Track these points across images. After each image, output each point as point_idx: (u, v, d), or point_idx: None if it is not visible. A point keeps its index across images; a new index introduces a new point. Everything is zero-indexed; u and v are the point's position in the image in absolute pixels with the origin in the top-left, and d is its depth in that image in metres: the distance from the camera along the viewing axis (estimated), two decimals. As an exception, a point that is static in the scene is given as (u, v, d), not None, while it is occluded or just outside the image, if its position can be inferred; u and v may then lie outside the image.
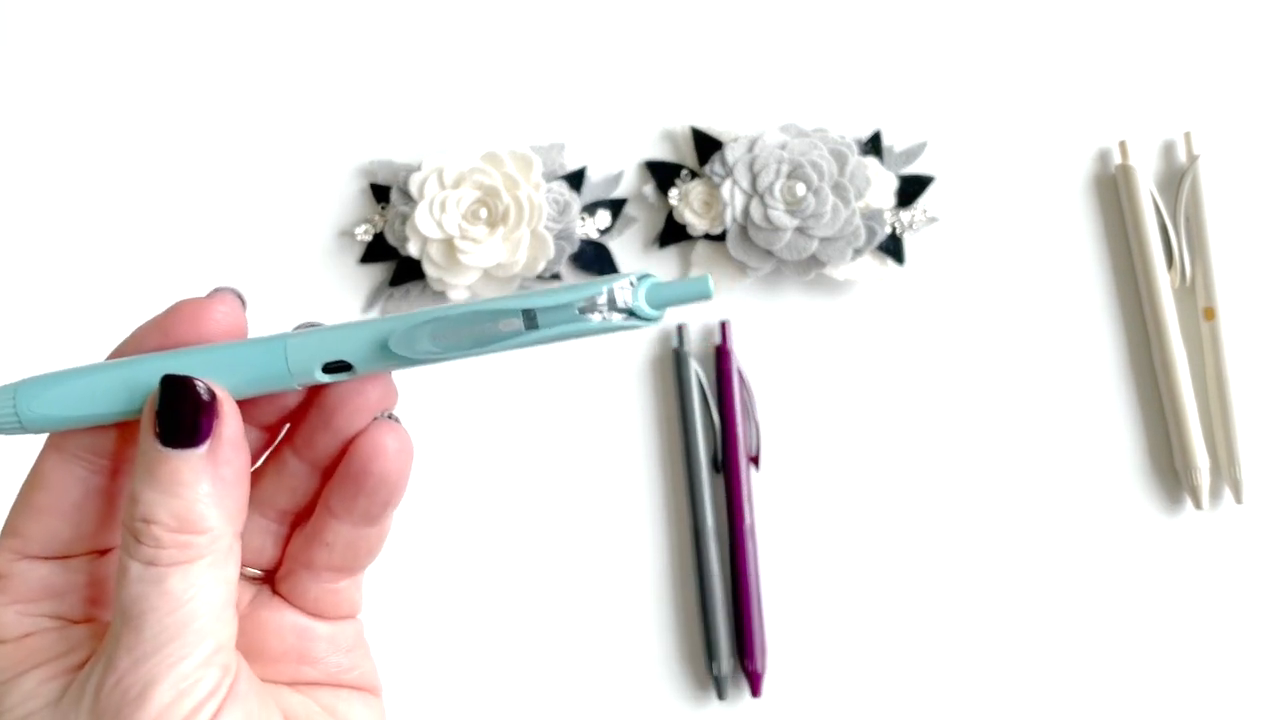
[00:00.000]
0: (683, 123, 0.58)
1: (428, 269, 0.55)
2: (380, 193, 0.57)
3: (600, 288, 0.25)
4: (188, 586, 0.25)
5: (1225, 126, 0.58)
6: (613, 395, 0.57)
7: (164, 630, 0.25)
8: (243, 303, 0.28)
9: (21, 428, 0.27)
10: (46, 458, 0.27)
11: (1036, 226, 0.58)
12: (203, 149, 0.58)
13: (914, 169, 0.57)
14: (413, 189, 0.55)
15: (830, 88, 0.58)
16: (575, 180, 0.57)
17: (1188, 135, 0.57)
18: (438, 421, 0.56)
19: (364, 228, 0.57)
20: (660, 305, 0.26)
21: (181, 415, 0.25)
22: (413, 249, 0.55)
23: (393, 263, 0.57)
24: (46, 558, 0.27)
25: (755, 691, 0.55)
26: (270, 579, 0.30)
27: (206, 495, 0.25)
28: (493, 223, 0.55)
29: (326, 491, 0.29)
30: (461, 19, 0.59)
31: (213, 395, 0.26)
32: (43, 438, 0.28)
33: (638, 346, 0.57)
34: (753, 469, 0.56)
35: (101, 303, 0.57)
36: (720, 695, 0.54)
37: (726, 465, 0.55)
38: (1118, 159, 0.57)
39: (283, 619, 0.29)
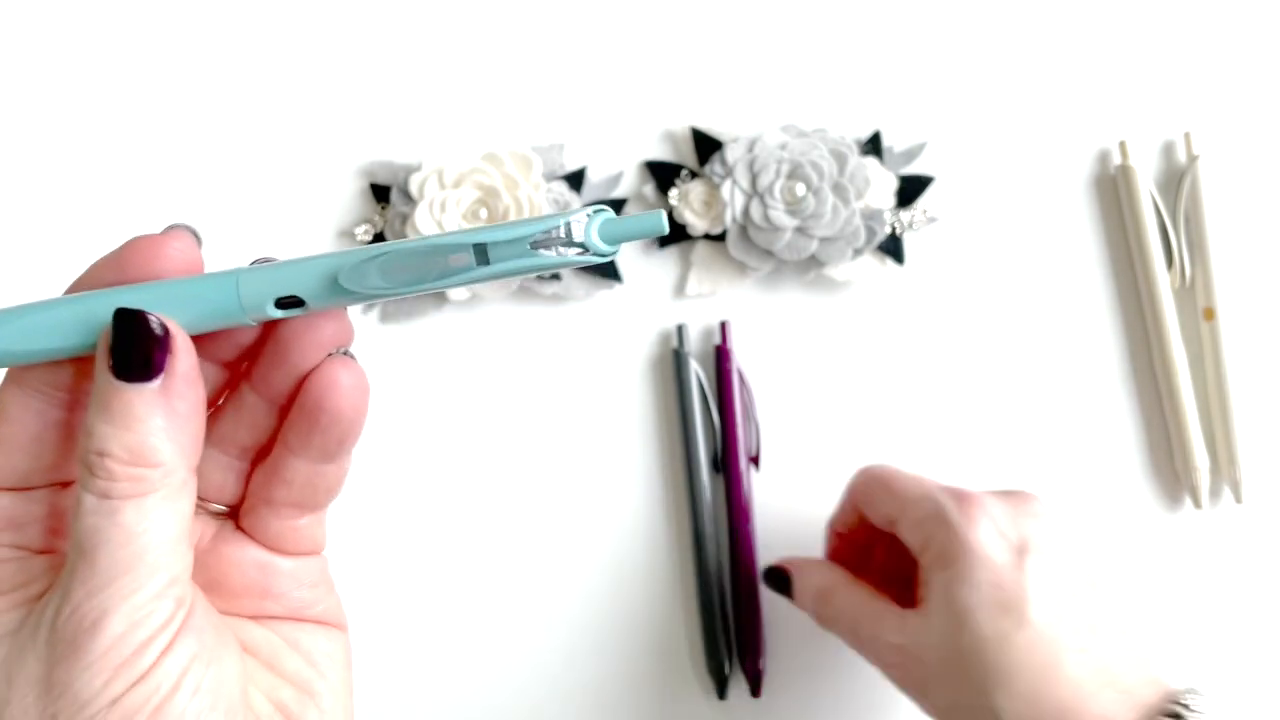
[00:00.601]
0: (683, 123, 0.58)
1: (428, 269, 0.55)
2: (380, 193, 0.57)
3: (555, 221, 0.25)
4: (141, 519, 0.25)
5: (1225, 126, 0.58)
6: (612, 395, 0.57)
7: (117, 563, 0.25)
8: (198, 240, 0.28)
9: None
10: (5, 390, 0.28)
11: (1036, 227, 0.58)
12: (203, 149, 0.58)
13: (914, 169, 0.58)
14: (413, 189, 0.55)
15: (830, 88, 0.58)
16: (575, 180, 0.57)
17: (1188, 135, 0.57)
18: (437, 419, 0.56)
19: (364, 228, 0.57)
20: (614, 240, 0.25)
21: (134, 349, 0.25)
22: (413, 249, 0.55)
23: (393, 263, 0.57)
24: (6, 489, 0.28)
25: (755, 692, 0.55)
26: (234, 514, 0.30)
27: (160, 429, 0.25)
28: (493, 222, 0.55)
29: (284, 428, 0.29)
30: (462, 19, 0.59)
31: (165, 329, 0.26)
32: (2, 371, 0.28)
33: (638, 346, 0.57)
34: (753, 469, 0.56)
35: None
36: (721, 695, 0.54)
37: (726, 465, 0.55)
38: (1118, 159, 0.57)
39: (244, 554, 0.30)
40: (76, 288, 0.28)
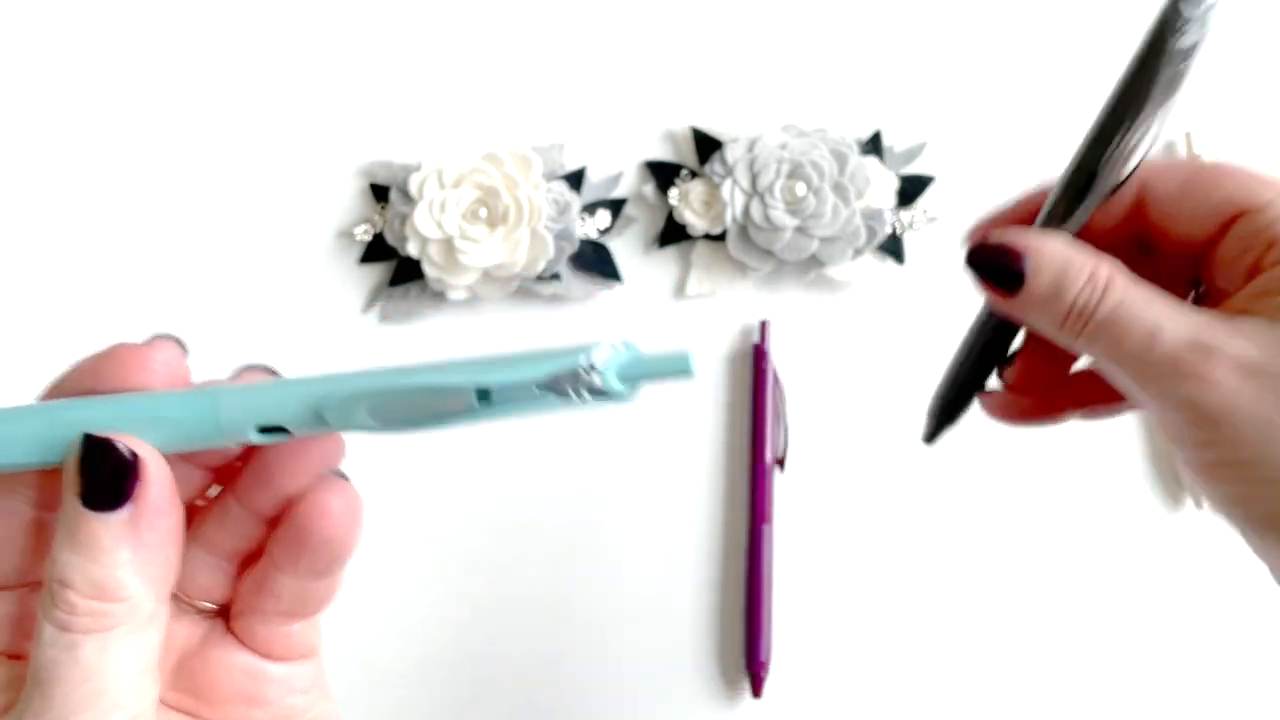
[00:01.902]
0: (683, 123, 0.58)
1: (427, 269, 0.55)
2: (380, 193, 0.57)
3: (566, 361, 0.23)
4: (101, 655, 0.24)
5: (1225, 126, 0.58)
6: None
7: (73, 701, 0.23)
8: (184, 350, 0.26)
9: None
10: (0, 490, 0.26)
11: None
12: (203, 149, 0.58)
13: (914, 169, 0.57)
14: (412, 189, 0.55)
15: (830, 88, 0.58)
16: (575, 180, 0.57)
17: (1188, 135, 0.57)
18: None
19: (364, 228, 0.57)
20: (634, 381, 0.23)
21: (101, 477, 0.24)
22: (412, 249, 0.55)
23: (392, 262, 0.57)
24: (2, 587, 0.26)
25: (756, 692, 0.55)
26: (224, 612, 0.29)
27: (126, 562, 0.24)
28: (492, 223, 0.55)
29: (270, 544, 0.27)
30: (462, 19, 0.59)
31: (135, 457, 0.24)
32: None
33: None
34: (777, 471, 0.56)
35: (103, 303, 0.57)
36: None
37: (753, 466, 0.55)
38: (1118, 159, 0.57)
39: (234, 659, 0.28)
40: (54, 393, 0.26)
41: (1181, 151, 0.58)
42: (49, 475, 0.26)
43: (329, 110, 0.58)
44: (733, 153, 0.55)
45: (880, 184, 0.56)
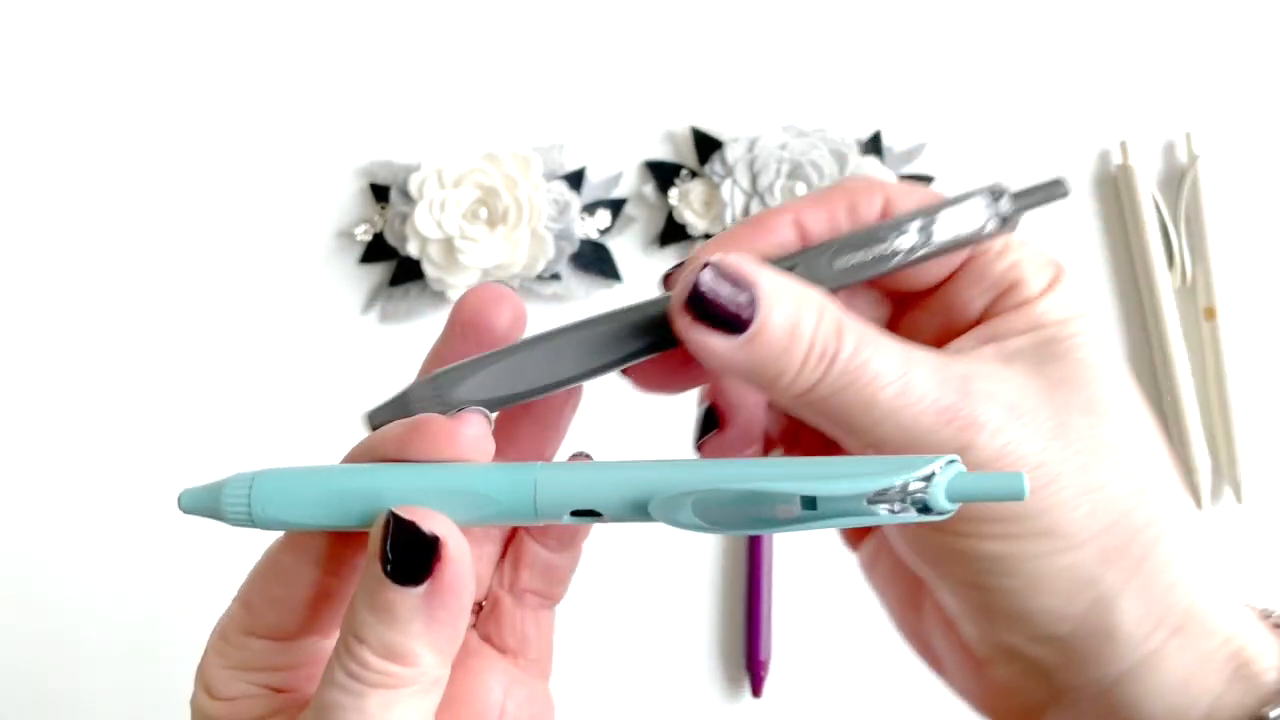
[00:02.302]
0: (683, 123, 0.58)
1: (427, 269, 0.55)
2: (380, 193, 0.57)
3: (895, 480, 0.22)
4: (384, 711, 0.25)
5: (1225, 126, 0.58)
6: (613, 393, 0.57)
7: None
8: (490, 422, 0.26)
9: (251, 523, 0.26)
10: (286, 553, 0.27)
11: (1037, 227, 0.58)
12: (203, 149, 0.58)
13: (914, 169, 0.57)
14: (412, 189, 0.55)
15: (830, 88, 0.58)
16: (575, 180, 0.57)
17: (1188, 135, 0.57)
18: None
19: (364, 228, 0.57)
20: (958, 500, 0.23)
21: (403, 554, 0.24)
22: (412, 249, 0.55)
23: (392, 262, 0.57)
24: (269, 638, 0.28)
25: (756, 692, 0.55)
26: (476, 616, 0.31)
27: (419, 634, 0.25)
28: (492, 222, 0.55)
29: (507, 571, 0.30)
30: (462, 19, 0.59)
31: (437, 539, 0.24)
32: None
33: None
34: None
35: (104, 303, 0.57)
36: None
37: None
38: (1118, 159, 0.57)
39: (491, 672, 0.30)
40: (354, 457, 0.27)
41: (1182, 152, 0.58)
42: (338, 542, 0.27)
43: (329, 110, 0.58)
44: (733, 153, 0.55)
45: (880, 184, 0.56)
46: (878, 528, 0.30)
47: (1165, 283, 0.56)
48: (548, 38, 0.59)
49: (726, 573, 0.56)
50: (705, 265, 0.25)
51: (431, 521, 0.24)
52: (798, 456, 0.25)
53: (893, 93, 0.58)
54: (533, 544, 0.30)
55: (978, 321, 0.27)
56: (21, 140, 0.58)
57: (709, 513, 0.23)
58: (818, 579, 0.56)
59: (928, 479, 0.22)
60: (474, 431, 0.25)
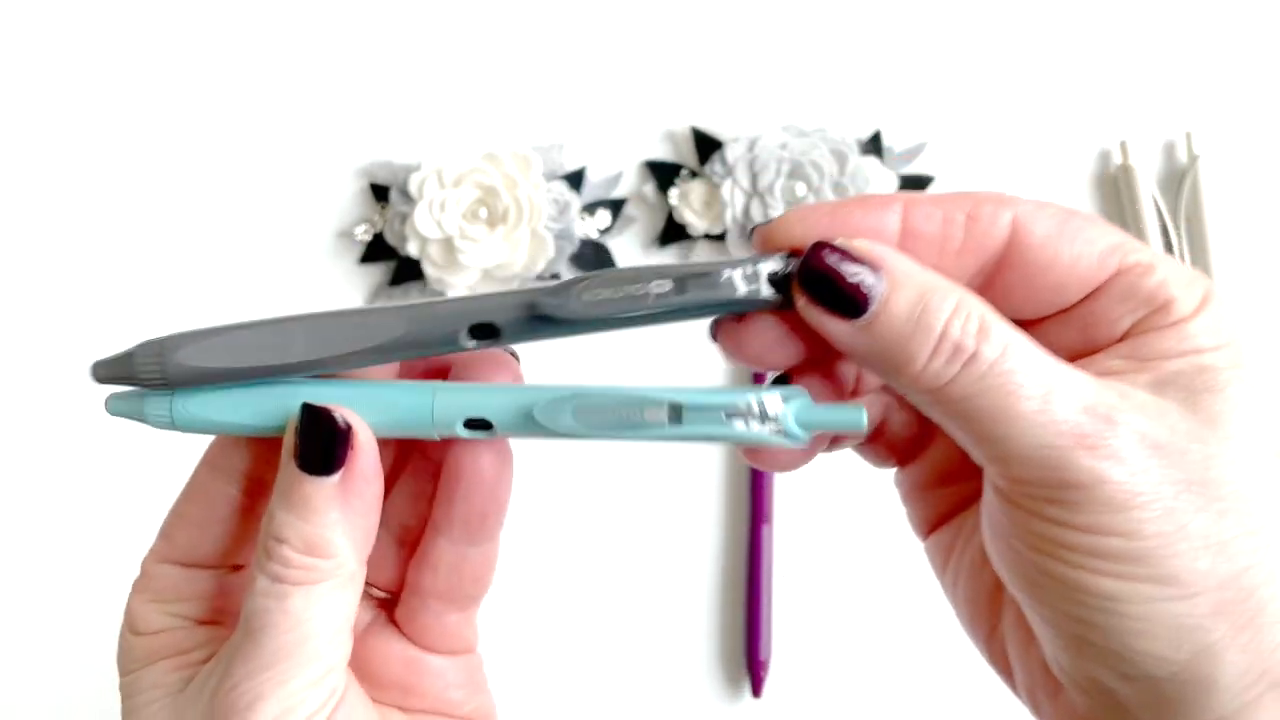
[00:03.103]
0: (683, 123, 0.58)
1: (427, 269, 0.55)
2: (380, 193, 0.57)
3: (748, 397, 0.25)
4: (307, 606, 0.26)
5: (1225, 126, 0.58)
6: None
7: (280, 647, 0.26)
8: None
9: (173, 425, 0.28)
10: (200, 472, 0.29)
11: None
12: (203, 149, 0.58)
13: (914, 169, 0.57)
14: (412, 189, 0.55)
15: (830, 88, 0.58)
16: (575, 180, 0.57)
17: (1188, 135, 0.57)
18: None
19: (364, 228, 0.57)
20: (809, 428, 0.25)
21: (317, 444, 0.26)
22: (412, 249, 0.55)
23: (393, 262, 0.57)
24: (187, 564, 0.29)
25: (756, 691, 0.55)
26: (390, 604, 0.31)
27: (335, 522, 0.26)
28: (492, 222, 0.55)
29: (433, 508, 0.30)
30: (462, 19, 0.59)
31: (349, 427, 0.26)
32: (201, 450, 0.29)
33: (639, 344, 0.57)
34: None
35: (105, 302, 0.57)
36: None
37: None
38: (1118, 159, 0.57)
39: (393, 648, 0.30)
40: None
41: (1182, 151, 0.58)
42: (258, 461, 0.28)
43: (329, 110, 0.58)
44: (733, 153, 0.55)
45: (880, 184, 0.56)
46: (953, 518, 0.29)
47: (1165, 283, 0.56)
48: (548, 38, 0.59)
49: (726, 573, 0.56)
50: (822, 245, 0.24)
51: (342, 413, 0.26)
52: (671, 385, 0.26)
53: (893, 93, 0.58)
54: (439, 539, 0.29)
55: (1121, 339, 0.25)
56: (21, 141, 0.58)
57: (587, 416, 0.26)
58: (818, 579, 0.56)
59: (777, 405, 0.25)
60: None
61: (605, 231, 0.57)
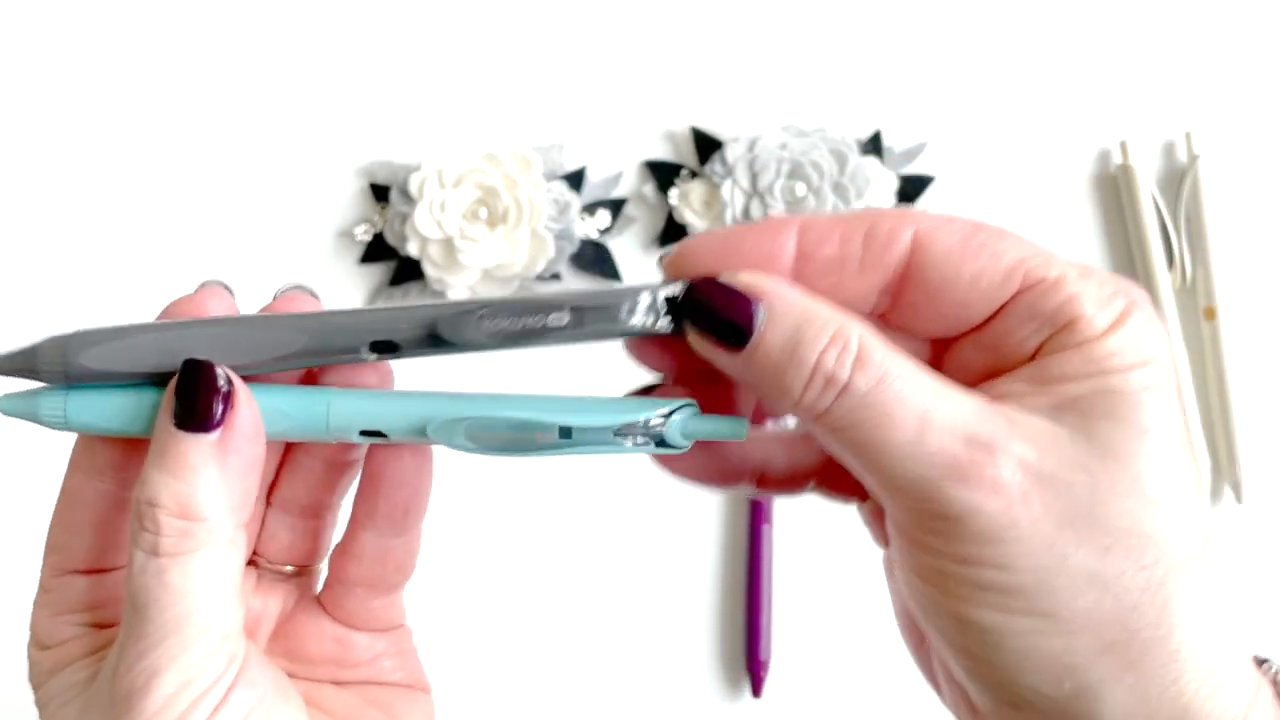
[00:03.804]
0: (683, 123, 0.58)
1: (427, 269, 0.55)
2: (380, 193, 0.57)
3: (638, 416, 0.26)
4: (186, 579, 0.25)
5: (1225, 126, 0.58)
6: (612, 392, 0.57)
7: (165, 623, 0.25)
8: (230, 293, 0.28)
9: (67, 425, 0.27)
10: (70, 477, 0.28)
11: (1037, 227, 0.58)
12: (203, 149, 0.58)
13: (914, 169, 0.57)
14: (412, 189, 0.55)
15: (830, 88, 0.58)
16: (575, 180, 0.57)
17: (1188, 135, 0.57)
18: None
19: (364, 228, 0.57)
20: (690, 437, 0.26)
21: (197, 398, 0.26)
22: (412, 249, 0.55)
23: (393, 262, 0.57)
24: (85, 571, 0.28)
25: (756, 692, 0.55)
26: (305, 572, 0.31)
27: (212, 480, 0.26)
28: (492, 222, 0.55)
29: (355, 501, 0.29)
30: (462, 19, 0.59)
31: (230, 383, 0.26)
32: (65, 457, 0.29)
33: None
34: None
35: (105, 302, 0.57)
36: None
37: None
38: (1118, 159, 0.57)
39: (321, 628, 0.30)
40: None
41: (1182, 151, 0.58)
42: (130, 454, 0.28)
43: (329, 110, 0.58)
44: (733, 153, 0.55)
45: (880, 184, 0.56)
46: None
47: (1165, 283, 0.56)
48: (548, 38, 0.59)
49: (726, 573, 0.56)
50: (705, 279, 0.25)
51: (224, 369, 0.26)
52: (563, 395, 0.27)
53: (893, 93, 0.58)
54: (361, 532, 0.29)
55: (1031, 359, 0.24)
56: (21, 142, 0.58)
57: (478, 437, 0.26)
58: (818, 579, 0.56)
59: (665, 417, 0.26)
60: (216, 301, 0.27)
61: (605, 231, 0.57)
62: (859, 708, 0.55)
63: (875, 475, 0.24)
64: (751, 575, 0.55)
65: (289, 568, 0.31)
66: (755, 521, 0.55)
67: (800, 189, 0.55)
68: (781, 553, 0.56)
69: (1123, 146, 0.57)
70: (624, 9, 0.59)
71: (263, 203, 0.58)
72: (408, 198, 0.55)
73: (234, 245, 0.57)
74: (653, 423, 0.26)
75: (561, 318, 0.26)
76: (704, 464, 0.28)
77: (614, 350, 0.28)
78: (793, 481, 0.29)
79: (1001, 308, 0.25)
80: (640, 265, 0.58)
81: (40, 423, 0.27)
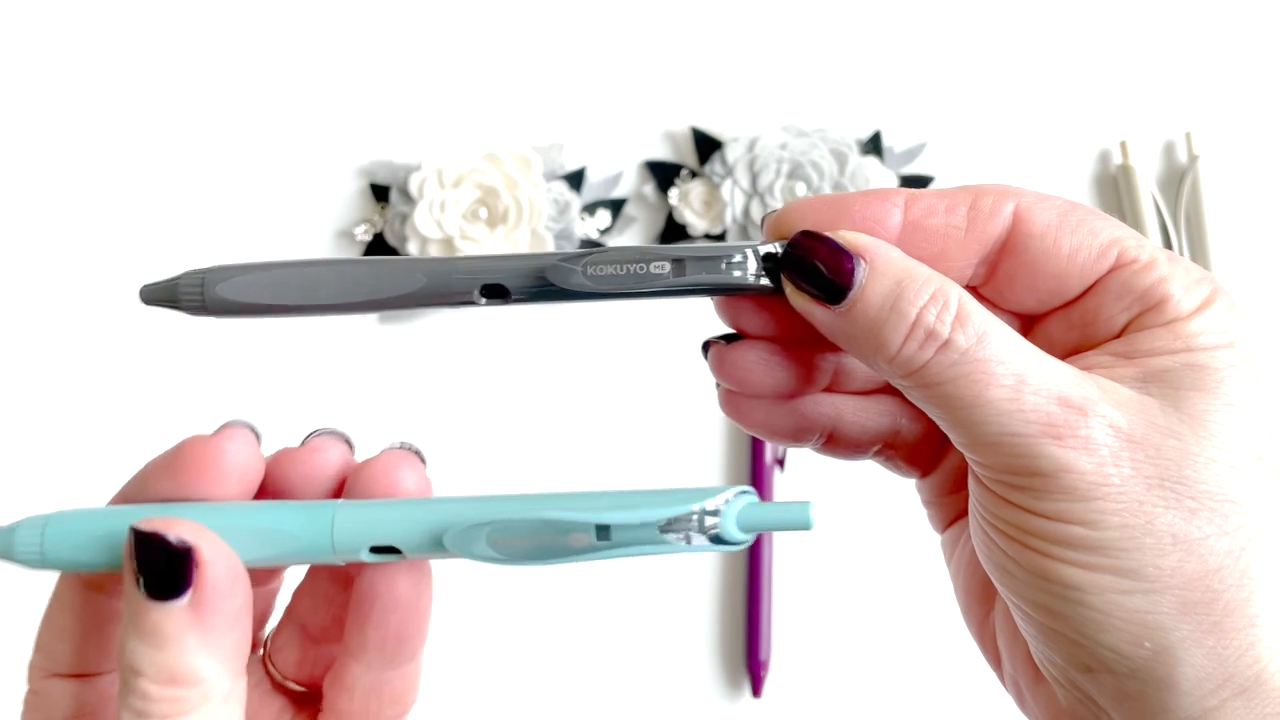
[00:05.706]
0: (683, 123, 0.58)
1: (428, 269, 0.55)
2: (380, 193, 0.57)
3: (688, 508, 0.23)
4: None
5: (1225, 126, 0.58)
6: (613, 392, 0.57)
7: None
8: (257, 437, 0.26)
9: (44, 564, 0.26)
10: (62, 581, 0.27)
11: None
12: (203, 149, 0.58)
13: (914, 169, 0.57)
14: (413, 189, 0.55)
15: (830, 88, 0.58)
16: (575, 180, 0.57)
17: (1188, 135, 0.57)
18: (439, 419, 0.56)
19: (364, 228, 0.57)
20: (750, 530, 0.23)
21: (156, 568, 0.23)
22: (412, 249, 0.55)
23: (393, 263, 0.57)
24: (73, 675, 0.27)
25: (756, 692, 0.55)
26: (314, 698, 0.29)
27: (195, 647, 0.23)
28: (492, 222, 0.55)
29: (345, 630, 0.27)
30: (462, 19, 0.59)
31: (187, 547, 0.23)
32: None
33: (639, 343, 0.57)
34: (777, 470, 0.56)
35: (104, 302, 0.57)
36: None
37: (753, 466, 0.55)
38: (1118, 159, 0.57)
39: None
40: (125, 494, 0.26)
41: (1182, 152, 0.58)
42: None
43: (329, 110, 0.58)
44: (733, 153, 0.56)
45: (880, 184, 0.56)
46: (967, 510, 0.29)
47: (1165, 283, 0.56)
48: (548, 38, 0.59)
49: (726, 573, 0.56)
50: (809, 234, 0.25)
51: (178, 528, 0.23)
52: (598, 490, 0.24)
53: (893, 93, 0.58)
54: (352, 663, 0.26)
55: (1118, 335, 0.25)
56: (21, 142, 0.58)
57: (503, 544, 0.24)
58: (818, 579, 0.56)
59: (717, 511, 0.23)
60: (237, 446, 0.25)
61: (605, 231, 0.57)
62: (859, 708, 0.55)
63: (968, 431, 0.24)
64: (752, 575, 0.55)
65: (295, 686, 0.28)
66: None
67: (800, 189, 0.55)
68: (782, 553, 0.56)
69: (1123, 146, 0.57)
70: (624, 9, 0.59)
71: (263, 202, 0.58)
72: (408, 198, 0.55)
73: (234, 245, 0.57)
74: (707, 520, 0.23)
75: (663, 265, 0.26)
76: (778, 418, 0.28)
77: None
78: (859, 445, 0.29)
79: (1093, 285, 0.25)
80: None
81: (14, 561, 0.25)
